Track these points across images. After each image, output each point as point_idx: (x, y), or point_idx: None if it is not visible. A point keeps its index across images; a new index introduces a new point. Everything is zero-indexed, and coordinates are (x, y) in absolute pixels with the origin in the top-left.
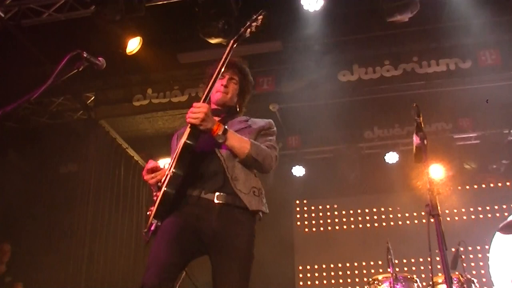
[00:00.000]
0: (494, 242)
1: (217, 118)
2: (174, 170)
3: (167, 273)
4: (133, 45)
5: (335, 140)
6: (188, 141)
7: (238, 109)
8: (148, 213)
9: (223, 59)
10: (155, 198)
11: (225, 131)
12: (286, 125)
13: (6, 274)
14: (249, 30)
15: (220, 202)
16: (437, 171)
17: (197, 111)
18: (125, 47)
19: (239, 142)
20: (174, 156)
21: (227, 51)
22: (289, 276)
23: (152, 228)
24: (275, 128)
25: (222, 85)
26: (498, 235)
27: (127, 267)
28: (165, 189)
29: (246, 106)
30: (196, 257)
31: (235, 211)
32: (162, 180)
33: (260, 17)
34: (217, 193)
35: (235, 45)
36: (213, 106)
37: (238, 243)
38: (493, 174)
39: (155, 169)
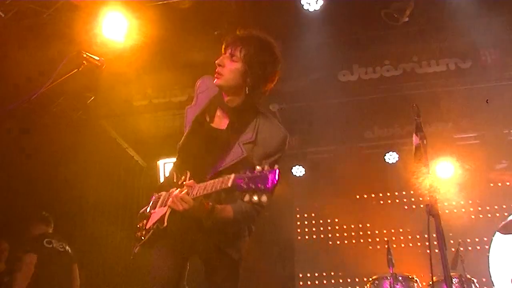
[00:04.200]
0: (494, 242)
1: (225, 121)
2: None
3: None
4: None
5: (335, 140)
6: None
7: (251, 103)
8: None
9: (217, 189)
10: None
11: (211, 212)
12: (286, 125)
13: (4, 273)
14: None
15: None
16: (444, 170)
17: (181, 204)
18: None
19: (222, 219)
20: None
21: (220, 187)
22: (289, 276)
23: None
24: (282, 152)
25: (217, 63)
26: (498, 235)
27: (126, 268)
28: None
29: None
30: None
31: None
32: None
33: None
34: None
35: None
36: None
37: None
38: (494, 173)
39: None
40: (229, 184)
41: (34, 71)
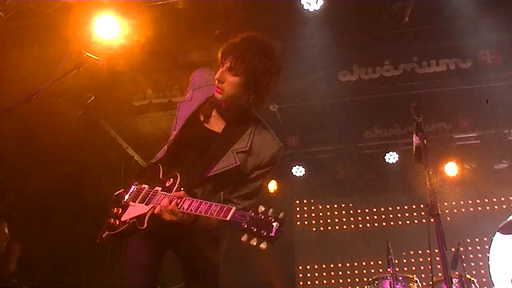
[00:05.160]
0: (494, 242)
1: (220, 124)
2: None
3: None
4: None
5: (335, 140)
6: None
7: (248, 110)
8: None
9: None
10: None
11: (195, 220)
12: (286, 125)
13: (13, 274)
14: (251, 231)
15: None
16: (450, 170)
17: (169, 216)
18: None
19: (205, 225)
20: None
21: (218, 218)
22: (289, 276)
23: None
24: (275, 165)
25: (216, 78)
26: (498, 235)
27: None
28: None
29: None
30: None
31: None
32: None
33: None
34: None
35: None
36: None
37: None
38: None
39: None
40: (228, 218)
41: (34, 71)
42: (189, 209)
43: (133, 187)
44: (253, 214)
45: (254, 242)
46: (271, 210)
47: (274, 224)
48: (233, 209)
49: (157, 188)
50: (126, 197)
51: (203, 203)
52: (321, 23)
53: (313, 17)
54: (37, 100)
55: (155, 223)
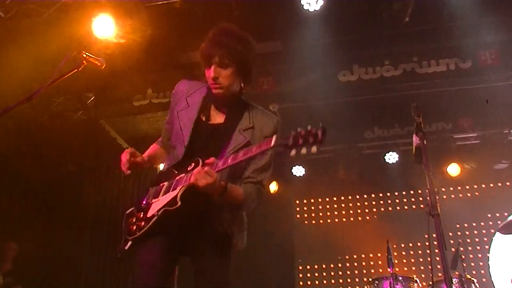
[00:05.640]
0: (494, 242)
1: (221, 116)
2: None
3: None
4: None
5: (335, 140)
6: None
7: (240, 96)
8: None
9: (254, 153)
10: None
11: (224, 191)
12: (286, 125)
13: (8, 273)
14: (298, 144)
15: None
16: (452, 170)
17: (205, 178)
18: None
19: (232, 199)
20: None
21: (262, 149)
22: (289, 277)
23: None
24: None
25: (211, 77)
26: (498, 235)
27: (126, 268)
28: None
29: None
30: None
31: None
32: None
33: (319, 134)
34: None
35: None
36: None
37: None
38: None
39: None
40: (272, 144)
41: (33, 71)
42: (226, 164)
43: (150, 190)
44: (293, 132)
45: (304, 151)
46: (308, 126)
47: (319, 131)
48: (273, 136)
49: (181, 175)
50: (145, 201)
51: (240, 151)
52: (321, 23)
53: (313, 17)
54: (37, 100)
55: (187, 200)
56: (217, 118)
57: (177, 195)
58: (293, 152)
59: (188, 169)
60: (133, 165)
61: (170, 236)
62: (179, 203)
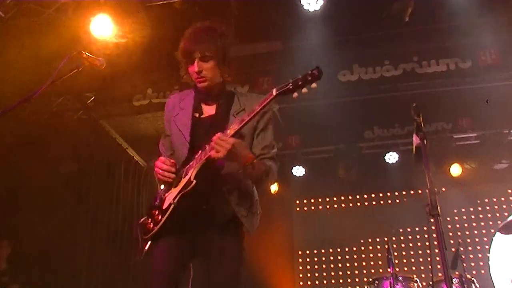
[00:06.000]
0: (494, 242)
1: (212, 108)
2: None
3: None
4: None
5: (335, 140)
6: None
7: (224, 85)
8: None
9: (259, 108)
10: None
11: (253, 160)
12: (286, 125)
13: (4, 273)
14: (298, 85)
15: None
16: (454, 170)
17: (221, 146)
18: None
19: (259, 171)
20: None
21: (267, 101)
22: (289, 277)
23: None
24: (270, 114)
25: (195, 72)
26: (498, 235)
27: (126, 268)
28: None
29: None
30: None
31: None
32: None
33: (315, 72)
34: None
35: (275, 97)
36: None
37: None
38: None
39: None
40: (274, 93)
41: (33, 71)
42: (236, 128)
43: (159, 191)
44: (291, 80)
45: (305, 90)
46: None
47: (315, 71)
48: (274, 89)
49: (190, 164)
50: (157, 199)
51: (237, 117)
52: (321, 23)
53: (313, 17)
54: (37, 100)
55: (201, 179)
56: (209, 111)
57: (190, 176)
58: (295, 94)
59: (196, 156)
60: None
61: (182, 234)
62: (194, 181)
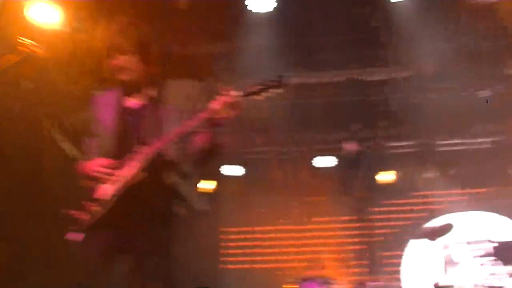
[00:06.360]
0: (409, 249)
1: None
2: None
3: None
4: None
5: (273, 141)
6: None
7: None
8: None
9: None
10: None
11: None
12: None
13: None
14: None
15: None
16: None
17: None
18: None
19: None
20: None
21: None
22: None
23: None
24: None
25: (118, 66)
26: (413, 241)
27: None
28: None
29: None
30: None
31: None
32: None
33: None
34: None
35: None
36: None
37: None
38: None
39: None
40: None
41: None
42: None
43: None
44: (256, 85)
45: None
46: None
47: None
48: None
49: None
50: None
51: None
52: (271, 25)
53: (263, 19)
54: None
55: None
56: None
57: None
58: (260, 97)
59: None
60: None
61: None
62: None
